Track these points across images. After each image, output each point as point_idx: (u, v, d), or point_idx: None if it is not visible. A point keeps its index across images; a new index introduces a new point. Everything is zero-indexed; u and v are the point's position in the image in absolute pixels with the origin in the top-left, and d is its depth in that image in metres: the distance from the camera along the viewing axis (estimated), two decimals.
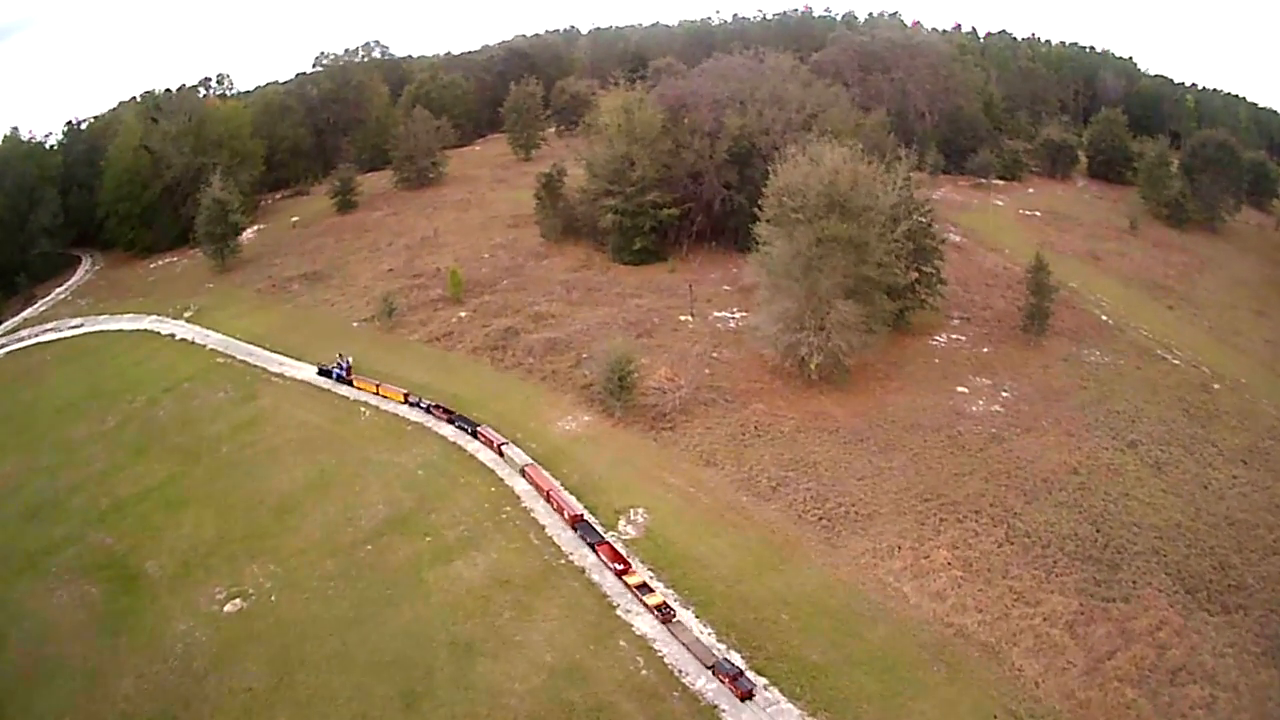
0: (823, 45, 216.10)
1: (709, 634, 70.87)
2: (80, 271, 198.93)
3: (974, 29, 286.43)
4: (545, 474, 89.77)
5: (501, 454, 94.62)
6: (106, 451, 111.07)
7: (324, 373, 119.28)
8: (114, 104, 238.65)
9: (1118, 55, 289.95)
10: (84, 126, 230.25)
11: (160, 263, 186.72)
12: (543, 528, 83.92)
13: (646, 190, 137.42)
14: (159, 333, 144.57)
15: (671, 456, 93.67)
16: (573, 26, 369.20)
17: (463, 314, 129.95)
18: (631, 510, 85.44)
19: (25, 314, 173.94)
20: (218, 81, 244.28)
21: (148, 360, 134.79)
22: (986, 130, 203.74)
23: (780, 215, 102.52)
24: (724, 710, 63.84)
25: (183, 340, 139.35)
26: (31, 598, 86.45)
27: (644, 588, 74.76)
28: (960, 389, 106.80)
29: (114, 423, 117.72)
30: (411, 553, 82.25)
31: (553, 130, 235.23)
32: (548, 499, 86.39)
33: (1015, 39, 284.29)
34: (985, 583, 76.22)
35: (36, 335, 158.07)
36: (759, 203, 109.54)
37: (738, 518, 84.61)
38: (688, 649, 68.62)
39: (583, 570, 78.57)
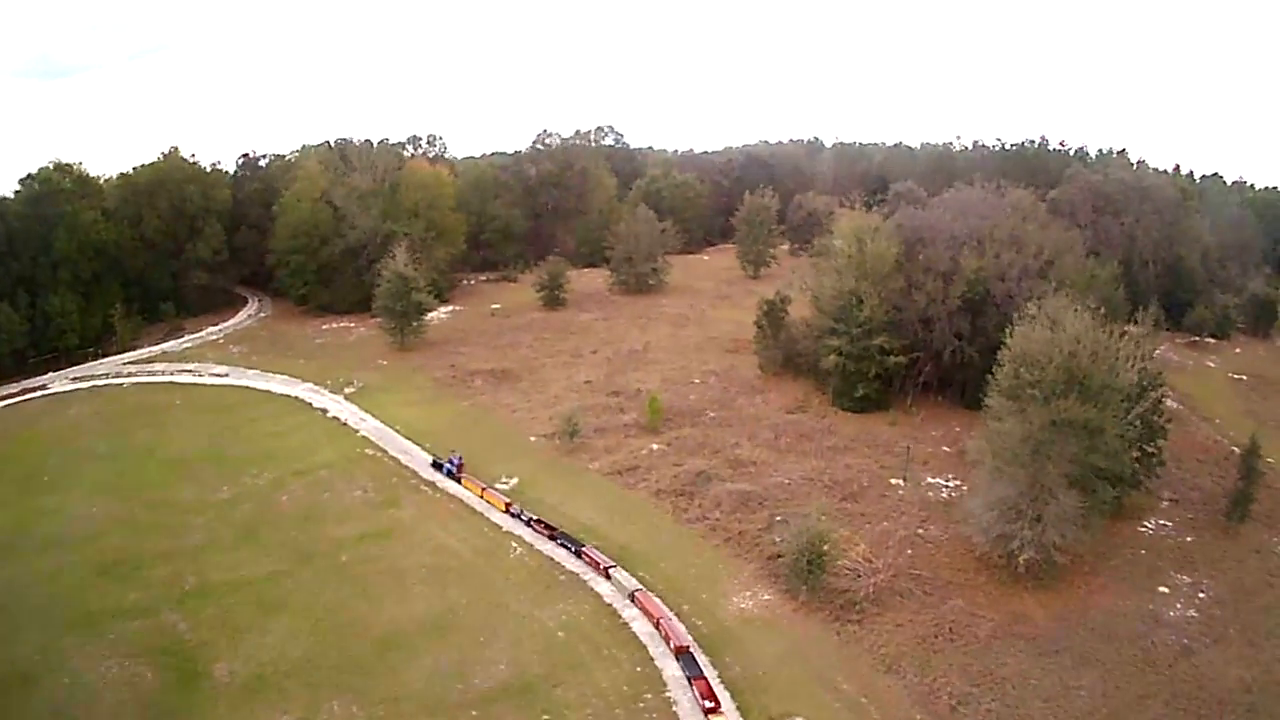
0: (1056, 180, 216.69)
1: None
2: (243, 314, 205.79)
3: (1191, 172, 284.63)
4: (679, 627, 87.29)
5: (608, 576, 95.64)
6: (209, 525, 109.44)
7: (436, 465, 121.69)
8: (297, 145, 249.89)
9: None
10: (261, 163, 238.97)
11: (334, 325, 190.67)
12: None
13: (874, 333, 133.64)
14: (310, 405, 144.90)
15: (851, 656, 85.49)
16: (816, 138, 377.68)
17: (655, 446, 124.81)
18: None
19: (165, 346, 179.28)
20: (429, 142, 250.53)
21: (288, 434, 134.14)
22: (1202, 283, 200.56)
23: (1016, 388, 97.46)
24: None
25: (334, 419, 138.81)
26: (80, 658, 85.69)
27: None
28: (1162, 589, 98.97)
29: (228, 495, 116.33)
30: None
31: (785, 247, 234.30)
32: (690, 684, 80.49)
33: (1226, 183, 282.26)
34: None
35: (172, 374, 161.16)
36: (992, 358, 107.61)
37: None
38: None
39: None
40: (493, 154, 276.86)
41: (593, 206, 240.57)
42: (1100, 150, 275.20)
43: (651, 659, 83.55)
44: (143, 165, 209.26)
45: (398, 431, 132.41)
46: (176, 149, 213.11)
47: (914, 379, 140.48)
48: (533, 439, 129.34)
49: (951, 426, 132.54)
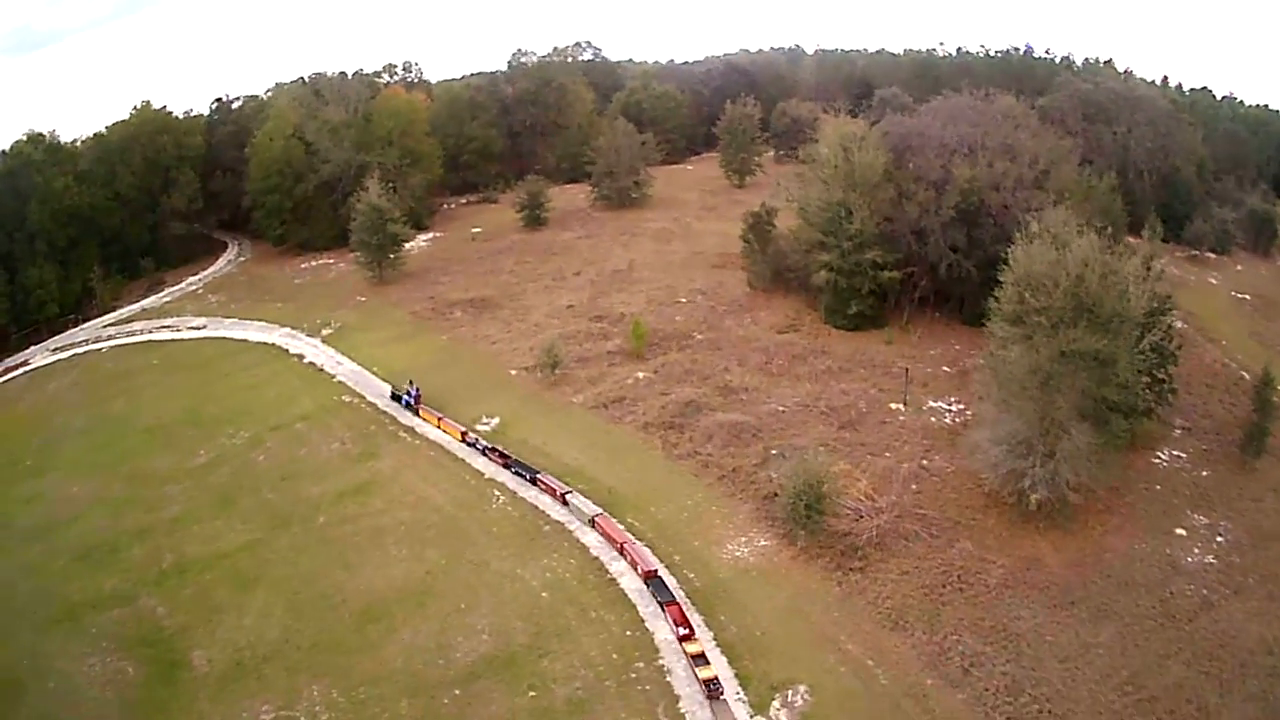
0: (1044, 89, 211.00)
1: None
2: (222, 260, 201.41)
3: (1179, 84, 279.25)
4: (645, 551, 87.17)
5: (565, 502, 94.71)
6: (186, 495, 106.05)
7: (395, 397, 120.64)
8: (271, 85, 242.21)
9: None
10: (235, 105, 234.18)
11: (313, 263, 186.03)
12: (676, 700, 71.99)
13: (865, 247, 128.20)
14: (287, 351, 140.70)
15: (854, 610, 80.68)
16: (798, 46, 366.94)
17: (641, 374, 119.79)
18: (791, 689, 72.73)
19: (145, 303, 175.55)
20: (405, 69, 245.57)
21: (264, 385, 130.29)
22: (1200, 196, 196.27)
23: (1020, 313, 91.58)
24: None
25: (310, 365, 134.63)
26: (63, 655, 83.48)
27: None
28: (1179, 530, 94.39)
29: (205, 459, 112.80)
30: (506, 711, 71.49)
31: (770, 154, 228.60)
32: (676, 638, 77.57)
33: (1215, 97, 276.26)
34: None
35: (150, 331, 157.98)
36: (989, 272, 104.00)
37: (918, 711, 71.49)
38: None
39: None
40: (473, 75, 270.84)
41: (571, 121, 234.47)
42: (1087, 59, 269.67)
43: (642, 620, 79.09)
44: (114, 123, 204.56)
45: (375, 374, 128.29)
46: (148, 102, 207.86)
47: (909, 295, 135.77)
48: (513, 372, 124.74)
49: (950, 344, 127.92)
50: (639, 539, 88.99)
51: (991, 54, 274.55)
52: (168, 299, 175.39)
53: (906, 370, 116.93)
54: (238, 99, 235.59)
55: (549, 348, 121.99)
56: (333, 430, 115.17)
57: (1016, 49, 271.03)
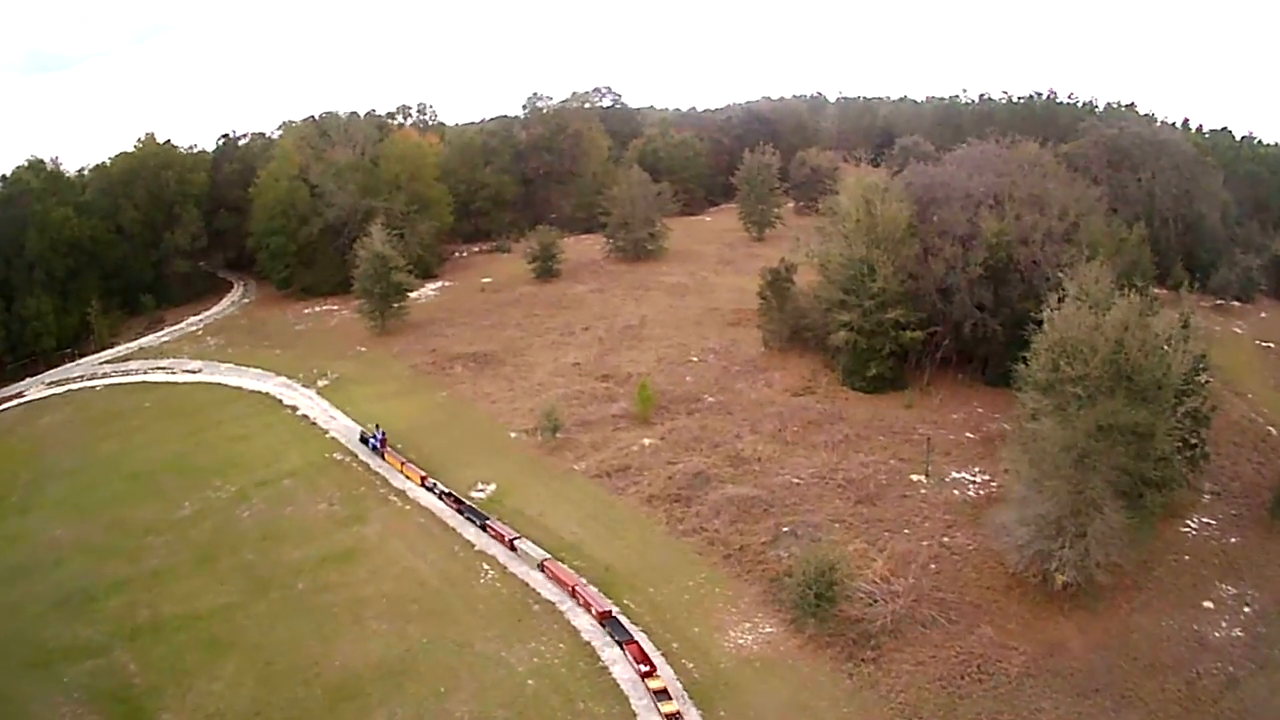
0: (1067, 134, 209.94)
1: None
2: (226, 301, 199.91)
3: (1199, 126, 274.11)
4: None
5: (514, 548, 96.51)
6: (168, 548, 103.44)
7: (363, 439, 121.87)
8: (279, 122, 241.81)
9: None
10: (242, 142, 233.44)
11: (316, 309, 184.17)
12: None
13: (888, 306, 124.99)
14: (281, 402, 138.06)
15: (865, 706, 76.55)
16: (819, 94, 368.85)
17: (647, 441, 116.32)
18: None
19: (143, 341, 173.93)
20: (419, 110, 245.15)
21: (254, 437, 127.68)
22: (1224, 243, 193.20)
23: (1053, 381, 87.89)
24: None
25: (303, 418, 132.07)
26: (36, 703, 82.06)
27: None
28: (1206, 603, 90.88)
29: (189, 511, 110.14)
30: None
31: (790, 206, 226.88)
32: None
33: (1235, 138, 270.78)
34: None
35: (146, 371, 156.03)
36: (1015, 331, 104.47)
37: None
38: None
39: None
40: (491, 119, 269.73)
41: (586, 170, 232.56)
42: (1109, 103, 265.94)
43: (634, 715, 74.91)
44: (118, 155, 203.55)
45: (366, 428, 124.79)
46: (152, 135, 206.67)
47: (931, 354, 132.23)
48: (513, 434, 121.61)
49: (974, 407, 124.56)
50: (635, 623, 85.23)
51: (1014, 99, 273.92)
52: (166, 339, 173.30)
53: (928, 439, 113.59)
54: (244, 135, 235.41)
55: (549, 411, 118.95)
56: (320, 489, 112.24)
57: (1039, 94, 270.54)
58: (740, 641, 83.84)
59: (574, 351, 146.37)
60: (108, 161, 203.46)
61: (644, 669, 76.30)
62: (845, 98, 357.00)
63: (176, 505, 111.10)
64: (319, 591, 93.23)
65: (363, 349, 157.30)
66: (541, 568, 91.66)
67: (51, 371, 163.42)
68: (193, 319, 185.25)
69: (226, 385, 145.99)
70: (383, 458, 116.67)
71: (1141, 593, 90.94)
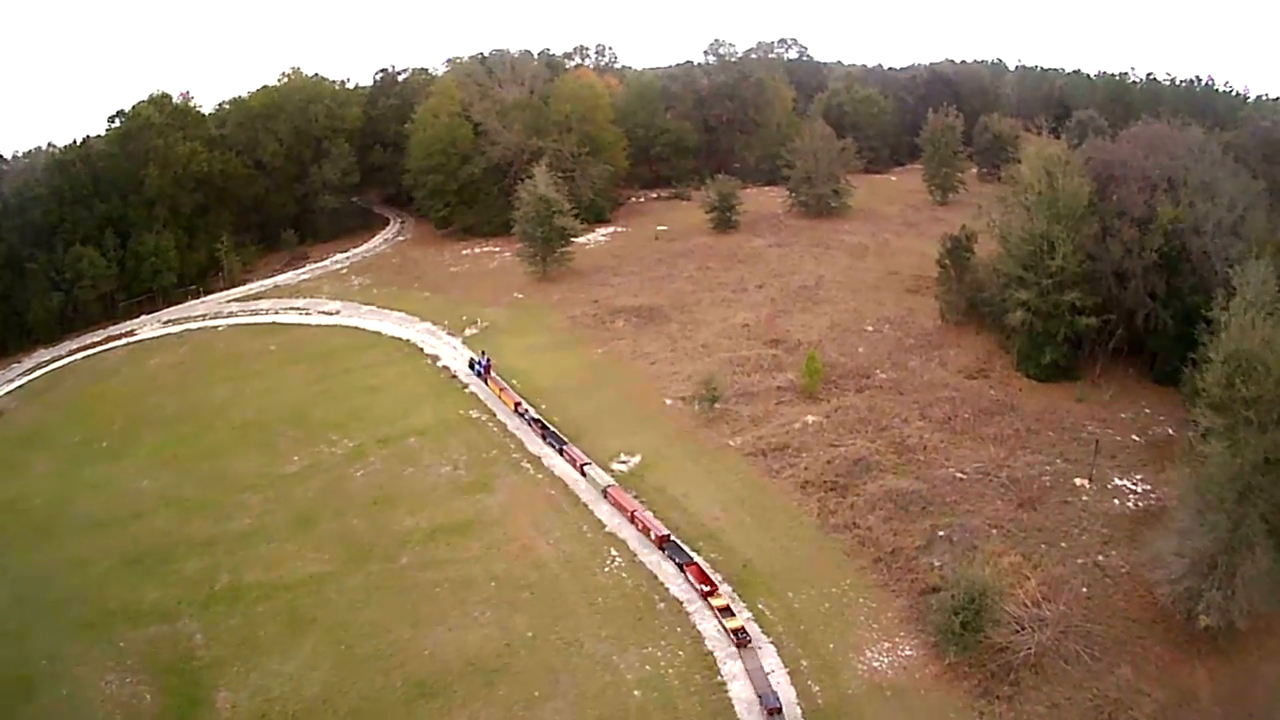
0: (1223, 123, 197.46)
1: None
2: (378, 239, 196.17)
3: None
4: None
5: (584, 473, 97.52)
6: (264, 507, 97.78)
7: (471, 365, 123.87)
8: (443, 60, 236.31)
9: None
10: (401, 78, 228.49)
11: (476, 250, 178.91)
12: None
13: (1065, 286, 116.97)
14: (422, 350, 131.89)
15: None
16: (999, 60, 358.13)
17: (810, 418, 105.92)
18: None
19: (280, 279, 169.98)
20: (597, 52, 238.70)
21: (385, 388, 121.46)
22: None
23: (1226, 399, 78.62)
24: None
25: (443, 369, 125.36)
26: (84, 664, 78.89)
27: None
28: None
29: (296, 467, 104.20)
30: None
31: (973, 171, 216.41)
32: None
33: None
34: None
35: (277, 312, 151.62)
36: (1186, 327, 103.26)
37: None
38: None
39: None
40: (674, 65, 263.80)
41: (770, 120, 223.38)
42: (1260, 96, 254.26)
43: None
44: (258, 89, 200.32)
45: (514, 386, 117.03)
46: (299, 69, 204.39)
47: (1103, 344, 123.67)
48: (668, 401, 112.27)
49: (1141, 407, 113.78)
50: (768, 632, 76.08)
51: (1177, 82, 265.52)
52: (305, 276, 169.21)
53: (1096, 441, 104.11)
54: (404, 71, 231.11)
55: (710, 379, 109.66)
56: (448, 450, 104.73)
57: (1199, 79, 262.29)
58: (875, 664, 74.95)
59: (744, 311, 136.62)
60: (245, 96, 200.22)
61: (705, 589, 78.66)
62: (1023, 65, 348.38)
63: (284, 460, 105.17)
64: (423, 567, 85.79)
65: (520, 295, 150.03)
66: (605, 494, 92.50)
67: (170, 309, 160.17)
68: (339, 256, 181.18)
69: (364, 329, 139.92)
70: (486, 383, 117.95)
71: (1273, 638, 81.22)
